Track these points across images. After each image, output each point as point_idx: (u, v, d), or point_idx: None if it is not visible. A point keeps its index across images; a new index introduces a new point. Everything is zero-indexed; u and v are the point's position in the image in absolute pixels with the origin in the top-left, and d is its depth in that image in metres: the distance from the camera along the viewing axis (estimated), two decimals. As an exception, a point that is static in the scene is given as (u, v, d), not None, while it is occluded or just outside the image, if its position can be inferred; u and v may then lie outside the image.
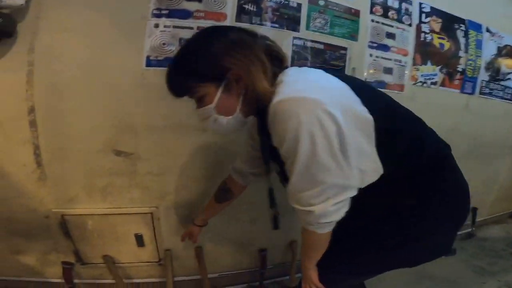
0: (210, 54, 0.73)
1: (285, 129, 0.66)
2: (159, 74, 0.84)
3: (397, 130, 0.74)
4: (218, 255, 1.48)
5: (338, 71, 0.83)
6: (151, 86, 1.14)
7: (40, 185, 1.17)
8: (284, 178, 0.76)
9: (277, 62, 0.78)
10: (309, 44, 1.31)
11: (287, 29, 1.27)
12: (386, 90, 1.48)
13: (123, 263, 1.37)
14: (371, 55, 1.43)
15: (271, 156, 0.85)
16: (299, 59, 1.30)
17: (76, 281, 1.35)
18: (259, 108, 0.75)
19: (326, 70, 0.77)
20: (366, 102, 0.70)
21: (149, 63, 1.12)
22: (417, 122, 0.83)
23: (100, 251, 1.33)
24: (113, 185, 1.23)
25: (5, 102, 1.07)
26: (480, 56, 1.74)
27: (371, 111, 0.69)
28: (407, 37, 1.50)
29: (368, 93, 0.76)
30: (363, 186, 0.73)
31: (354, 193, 0.71)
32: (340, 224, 0.75)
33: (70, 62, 1.07)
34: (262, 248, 1.52)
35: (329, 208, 0.70)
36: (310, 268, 0.85)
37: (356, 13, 1.38)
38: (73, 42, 1.06)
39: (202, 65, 0.74)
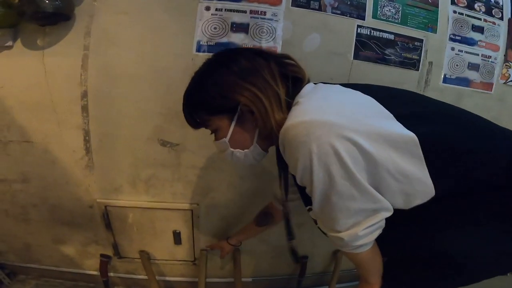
0: (219, 86, 0.68)
1: (297, 159, 0.59)
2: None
3: (449, 142, 0.60)
4: (255, 259, 1.38)
5: (360, 85, 0.73)
6: (200, 72, 1.07)
7: (87, 173, 1.16)
8: (305, 201, 0.68)
9: (296, 82, 0.70)
10: (376, 33, 1.15)
11: (350, 16, 1.13)
12: (469, 88, 1.27)
13: (158, 259, 1.32)
14: (453, 48, 1.23)
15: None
16: (364, 50, 1.15)
17: (110, 274, 1.32)
18: (277, 137, 0.66)
19: (345, 85, 0.70)
20: (401, 116, 0.60)
21: (199, 48, 1.06)
22: (480, 124, 0.67)
23: (138, 246, 1.29)
24: (156, 177, 1.18)
25: (60, 87, 1.06)
26: None
27: (410, 126, 0.58)
28: (497, 31, 1.28)
29: (401, 103, 0.67)
30: (408, 208, 0.63)
31: (389, 214, 0.62)
32: (402, 235, 0.67)
33: (123, 46, 1.05)
34: (303, 255, 1.40)
35: (359, 233, 0.62)
36: (371, 283, 0.74)
37: (434, 3, 1.20)
38: (127, 25, 1.03)
39: (211, 97, 0.69)
